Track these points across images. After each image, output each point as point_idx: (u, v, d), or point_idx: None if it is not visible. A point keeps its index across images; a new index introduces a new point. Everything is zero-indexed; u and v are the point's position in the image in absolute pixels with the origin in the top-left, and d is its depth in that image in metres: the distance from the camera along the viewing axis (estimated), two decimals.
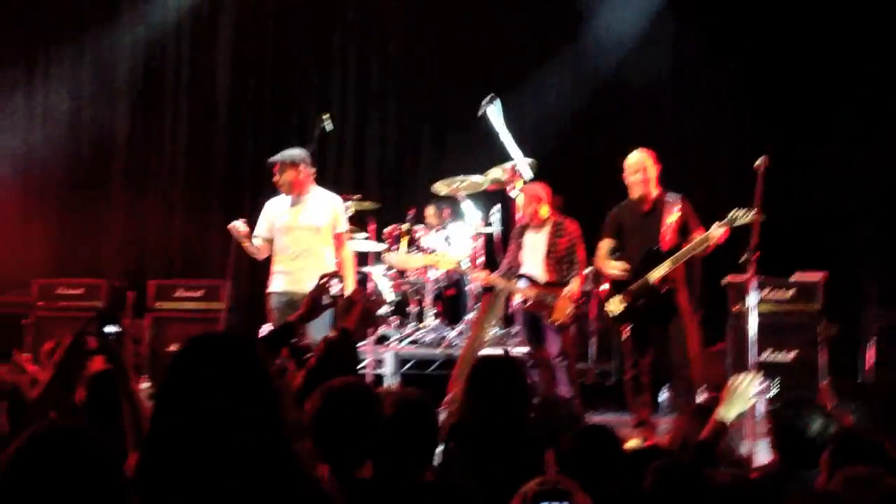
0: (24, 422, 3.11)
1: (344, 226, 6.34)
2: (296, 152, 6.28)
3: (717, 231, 5.68)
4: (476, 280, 7.30)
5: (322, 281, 3.53)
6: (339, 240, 6.25)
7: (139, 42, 9.92)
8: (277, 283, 6.17)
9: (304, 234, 6.14)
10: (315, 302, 3.49)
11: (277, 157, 6.27)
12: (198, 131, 9.85)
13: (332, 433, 2.56)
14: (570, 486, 2.18)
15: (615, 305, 5.91)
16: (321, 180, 8.97)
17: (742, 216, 5.59)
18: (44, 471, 1.74)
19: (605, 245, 6.04)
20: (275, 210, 6.27)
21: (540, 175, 7.54)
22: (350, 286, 6.04)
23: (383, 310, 7.50)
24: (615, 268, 5.87)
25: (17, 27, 9.89)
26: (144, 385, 7.87)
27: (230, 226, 6.23)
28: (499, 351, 7.38)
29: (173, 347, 7.74)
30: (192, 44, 9.97)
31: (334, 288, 3.52)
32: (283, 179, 6.18)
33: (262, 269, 6.75)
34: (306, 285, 5.72)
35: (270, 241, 6.24)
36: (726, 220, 5.68)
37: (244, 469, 1.96)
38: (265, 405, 2.07)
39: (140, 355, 8.01)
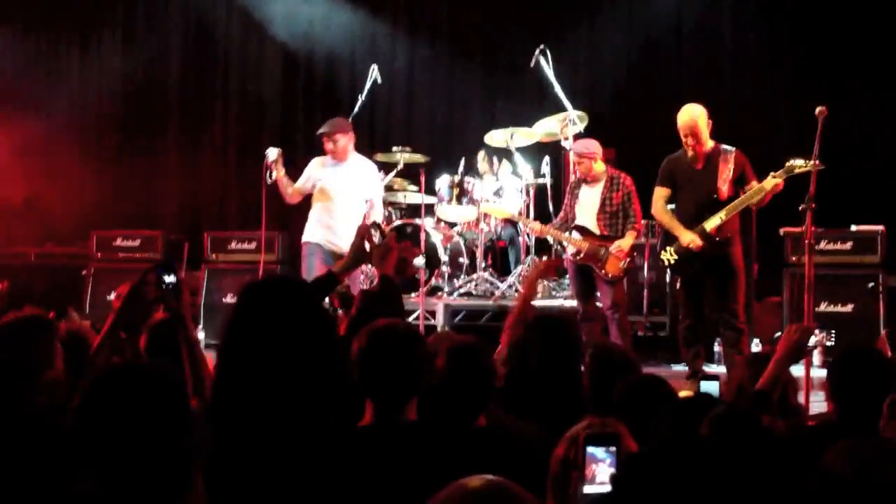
0: (86, 367, 3.21)
1: (378, 192, 6.78)
2: (342, 121, 6.69)
3: (773, 181, 5.58)
4: (530, 230, 7.28)
5: (363, 231, 3.54)
6: (370, 204, 6.62)
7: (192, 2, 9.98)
8: (317, 235, 6.51)
9: (347, 198, 6.49)
10: (358, 252, 3.51)
11: (328, 128, 6.53)
12: (250, 85, 9.89)
13: (378, 372, 2.58)
14: (618, 430, 2.17)
15: (668, 255, 5.86)
16: (372, 132, 9.07)
17: (799, 166, 5.47)
18: (116, 406, 1.78)
19: (662, 193, 5.97)
20: (320, 170, 6.59)
21: (592, 127, 7.48)
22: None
23: (419, 260, 7.47)
24: (687, 238, 5.76)
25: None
26: (200, 335, 8.05)
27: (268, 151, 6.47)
28: (552, 304, 7.47)
29: (229, 298, 7.98)
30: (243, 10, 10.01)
31: (376, 238, 3.53)
32: (338, 147, 6.49)
33: None
34: (345, 242, 5.88)
35: (303, 194, 6.61)
36: (783, 169, 5.56)
37: (309, 403, 2.01)
38: (325, 344, 2.12)
39: (196, 306, 8.16)
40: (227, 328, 2.25)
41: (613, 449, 1.81)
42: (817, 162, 5.20)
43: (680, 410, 2.98)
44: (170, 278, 2.93)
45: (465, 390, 2.80)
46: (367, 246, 3.49)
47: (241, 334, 2.18)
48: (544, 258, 7.54)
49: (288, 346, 2.14)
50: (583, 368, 3.35)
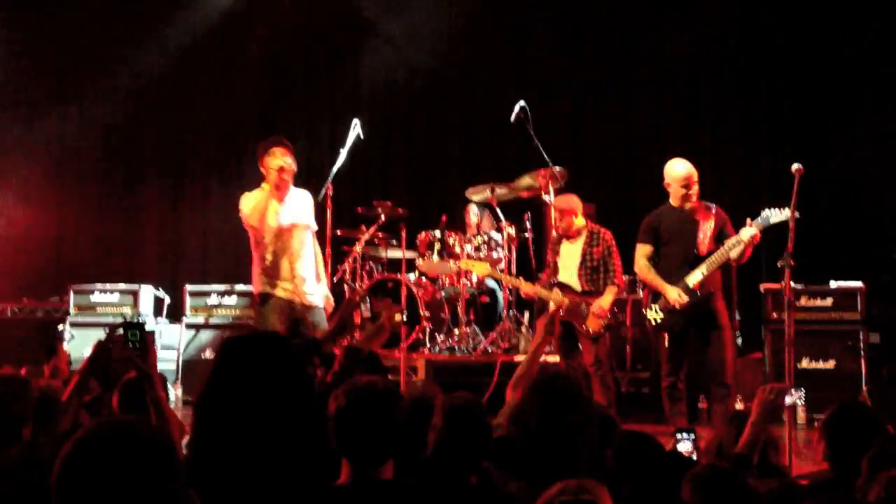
0: (52, 426, 3.16)
1: (314, 222, 6.02)
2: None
3: (749, 231, 5.62)
4: (514, 286, 7.26)
5: (354, 299, 3.54)
6: (315, 237, 5.98)
7: (170, 51, 10.00)
8: (273, 287, 5.70)
9: (299, 233, 5.78)
10: (346, 321, 3.50)
11: (286, 141, 5.79)
12: (229, 135, 9.89)
13: (355, 431, 2.54)
14: (597, 493, 2.13)
15: (655, 313, 5.85)
16: (353, 186, 9.06)
17: (774, 215, 5.52)
18: (105, 464, 1.72)
19: (643, 250, 6.00)
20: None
21: (573, 182, 7.52)
22: (325, 282, 6.03)
23: (399, 316, 7.39)
24: (674, 295, 5.76)
25: (49, 36, 9.98)
26: (178, 391, 7.95)
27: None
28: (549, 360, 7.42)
29: (207, 354, 7.90)
30: (221, 53, 10.04)
31: (363, 309, 3.55)
32: (292, 167, 5.69)
33: None
34: (307, 293, 5.72)
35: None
36: (758, 219, 5.62)
37: (287, 460, 1.97)
38: (303, 400, 2.09)
39: (174, 361, 8.08)
40: (205, 384, 2.21)
41: None
42: (793, 212, 5.21)
43: (656, 470, 2.96)
44: (135, 337, 2.90)
45: (462, 449, 2.77)
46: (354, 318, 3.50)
47: (219, 390, 2.15)
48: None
49: (266, 403, 2.10)
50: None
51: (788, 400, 3.96)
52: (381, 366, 3.51)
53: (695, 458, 3.31)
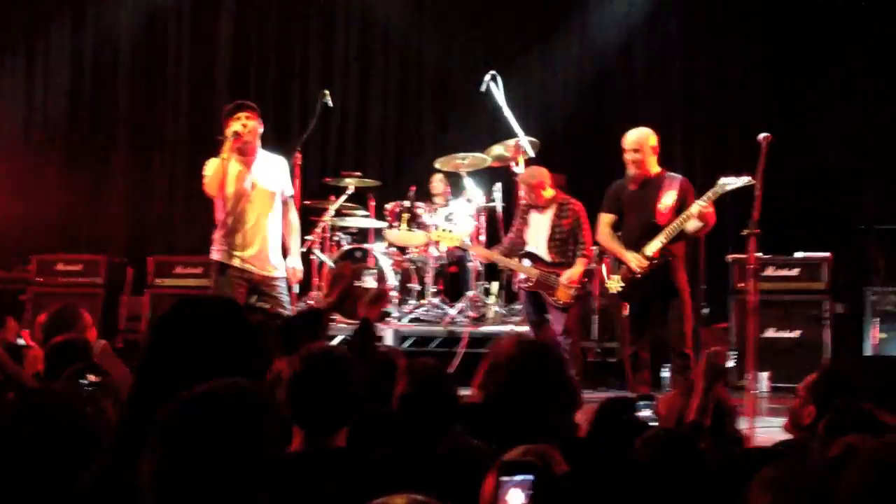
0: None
1: (292, 188, 5.87)
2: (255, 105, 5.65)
3: (698, 204, 5.61)
4: (478, 256, 7.25)
5: (354, 269, 3.53)
6: (288, 204, 5.75)
7: (139, 15, 9.83)
8: (231, 256, 5.54)
9: (262, 201, 5.58)
10: (347, 290, 3.49)
11: (250, 103, 5.61)
12: (199, 105, 9.73)
13: (310, 397, 2.51)
14: (548, 456, 2.11)
15: (615, 282, 5.86)
16: (323, 157, 8.98)
17: (731, 182, 5.52)
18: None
19: (606, 219, 5.99)
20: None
21: (543, 154, 7.49)
22: (296, 253, 5.80)
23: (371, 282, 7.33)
24: (634, 262, 5.75)
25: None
26: None
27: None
28: (502, 329, 7.42)
29: None
30: (193, 18, 9.88)
31: (368, 280, 3.55)
32: (252, 130, 5.48)
33: None
34: (268, 263, 5.60)
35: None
36: (712, 189, 5.61)
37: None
38: (245, 363, 2.05)
39: (139, 332, 8.00)
40: (144, 343, 2.18)
41: (530, 477, 1.73)
42: (760, 181, 5.18)
43: (611, 433, 2.96)
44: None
45: (426, 415, 2.75)
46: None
47: (160, 349, 2.10)
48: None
49: (208, 364, 2.06)
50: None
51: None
52: (374, 333, 3.50)
53: (654, 424, 3.32)
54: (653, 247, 5.73)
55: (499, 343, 3.34)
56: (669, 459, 2.67)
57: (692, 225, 5.71)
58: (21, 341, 4.35)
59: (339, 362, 2.66)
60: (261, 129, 5.57)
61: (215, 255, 5.62)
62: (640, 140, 5.84)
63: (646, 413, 3.23)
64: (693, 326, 5.86)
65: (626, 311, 5.88)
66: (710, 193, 5.62)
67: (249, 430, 1.61)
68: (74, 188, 9.65)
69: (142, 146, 9.91)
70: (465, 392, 3.28)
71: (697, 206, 5.63)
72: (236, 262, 5.55)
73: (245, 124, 5.46)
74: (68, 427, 2.18)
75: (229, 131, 5.43)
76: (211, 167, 5.54)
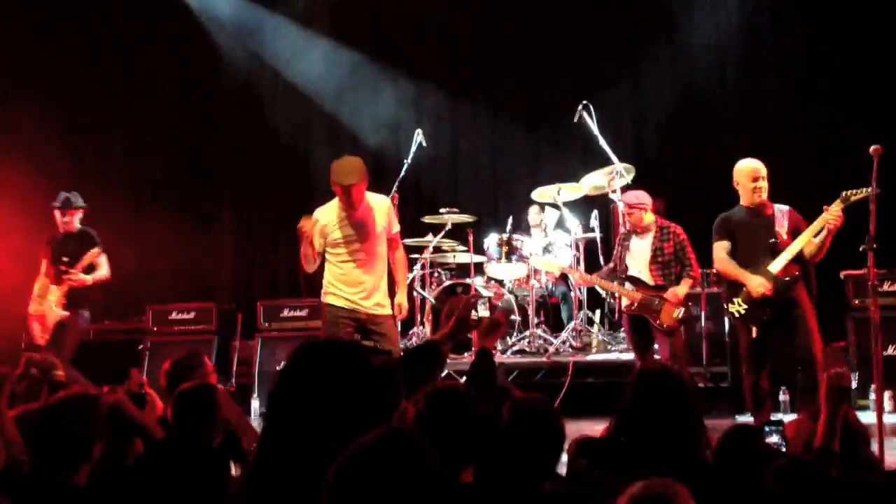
0: (126, 443, 3.24)
1: (397, 225, 5.92)
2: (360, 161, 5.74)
3: (832, 212, 5.41)
4: (579, 282, 7.20)
5: (468, 299, 3.52)
6: (394, 242, 5.87)
7: (239, 69, 10.16)
8: (339, 297, 5.70)
9: (369, 242, 5.71)
10: (463, 322, 3.49)
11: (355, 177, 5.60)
12: (297, 154, 9.97)
13: (434, 435, 2.51)
14: (672, 492, 2.07)
15: (737, 306, 5.69)
16: (418, 195, 9.09)
17: (855, 194, 5.32)
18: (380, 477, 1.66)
19: (723, 246, 5.83)
20: (329, 218, 5.71)
21: (638, 180, 7.42)
22: (404, 289, 5.91)
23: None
24: (756, 284, 5.61)
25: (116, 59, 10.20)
26: (255, 403, 8.05)
27: (304, 222, 5.59)
28: (607, 358, 7.33)
29: (282, 366, 7.99)
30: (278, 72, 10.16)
31: (481, 309, 3.52)
32: (358, 195, 5.60)
33: None
34: (376, 302, 5.68)
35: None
36: (838, 199, 5.42)
37: None
38: (374, 404, 2.06)
39: (251, 375, 8.20)
40: (273, 391, 2.20)
41: None
42: (874, 195, 5.00)
43: (739, 461, 2.88)
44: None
45: (531, 453, 2.71)
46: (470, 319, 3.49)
47: (287, 397, 2.13)
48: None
49: (336, 409, 2.07)
50: None
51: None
52: (494, 372, 3.51)
53: (784, 450, 3.22)
54: (778, 264, 5.57)
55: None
56: (801, 488, 2.59)
57: (810, 248, 5.54)
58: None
59: (463, 401, 2.65)
60: (364, 187, 5.62)
61: (324, 296, 5.76)
62: (758, 167, 5.73)
63: (774, 439, 3.13)
64: (820, 345, 5.63)
65: (753, 335, 5.67)
66: (836, 202, 5.44)
67: (418, 477, 1.61)
68: (182, 238, 9.97)
69: (244, 193, 10.19)
70: (571, 424, 3.23)
71: (833, 212, 5.43)
72: (343, 303, 5.66)
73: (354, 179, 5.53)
74: (203, 474, 2.23)
75: (305, 225, 5.54)
76: (318, 215, 5.68)
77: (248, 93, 10.23)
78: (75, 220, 7.26)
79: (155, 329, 8.60)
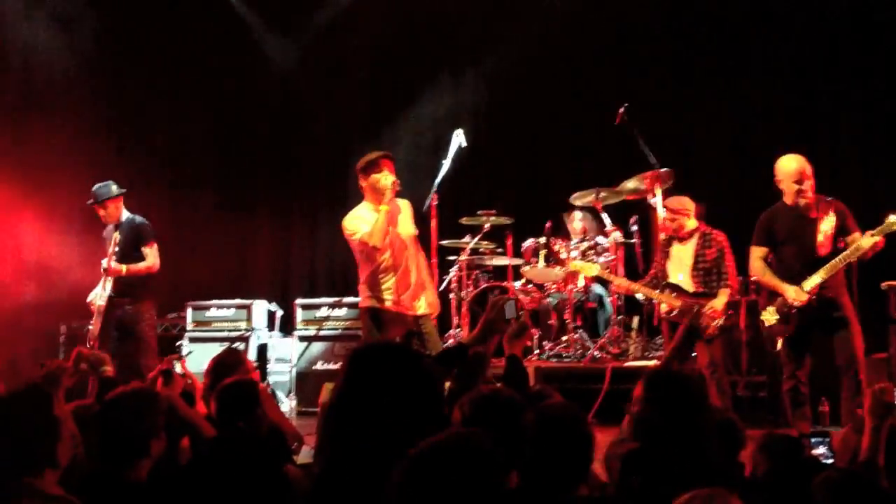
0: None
1: (415, 228, 5.99)
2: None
3: (871, 240, 5.38)
4: (618, 286, 7.18)
5: (497, 302, 3.53)
6: (417, 242, 5.95)
7: (278, 68, 10.23)
8: (384, 301, 5.75)
9: (406, 245, 5.82)
10: (491, 324, 3.51)
11: (390, 154, 5.85)
12: (334, 152, 10.00)
13: None
14: (724, 500, 2.07)
15: (771, 315, 5.67)
16: (457, 196, 9.09)
17: None
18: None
19: (758, 252, 5.81)
20: (369, 221, 5.73)
21: (678, 184, 7.38)
22: (432, 287, 6.01)
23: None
24: (792, 294, 5.59)
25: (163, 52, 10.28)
26: (293, 402, 8.12)
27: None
28: (645, 364, 7.30)
29: (319, 365, 8.05)
30: (325, 67, 10.20)
31: (509, 311, 3.52)
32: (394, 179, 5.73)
33: None
34: (419, 303, 5.75)
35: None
36: (881, 226, 5.38)
37: None
38: (432, 408, 2.09)
39: (288, 374, 8.27)
40: (336, 393, 2.21)
41: None
42: None
43: (786, 473, 2.87)
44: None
45: (558, 460, 2.72)
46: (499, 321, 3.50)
47: (350, 399, 2.14)
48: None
49: (397, 414, 2.09)
50: None
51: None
52: (526, 381, 3.51)
53: (831, 462, 3.21)
54: (812, 282, 5.53)
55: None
56: (851, 501, 2.58)
57: (856, 256, 5.50)
58: (178, 368, 4.49)
59: (508, 405, 2.67)
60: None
61: (367, 301, 5.80)
62: (805, 167, 5.69)
63: (821, 450, 3.13)
64: (863, 350, 5.59)
65: (780, 345, 5.67)
66: (880, 229, 5.39)
67: (483, 478, 1.63)
68: (221, 236, 10.06)
69: (284, 190, 10.26)
70: (607, 430, 3.22)
71: (871, 241, 5.38)
72: (390, 306, 5.73)
73: (392, 175, 5.66)
74: (256, 472, 2.26)
75: (386, 181, 5.57)
76: (361, 222, 5.70)
77: (289, 87, 10.29)
78: (116, 210, 7.14)
79: (193, 325, 8.69)
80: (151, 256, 7.14)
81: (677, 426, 2.76)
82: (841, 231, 5.61)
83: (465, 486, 1.61)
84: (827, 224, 5.60)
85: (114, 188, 7.17)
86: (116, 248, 7.02)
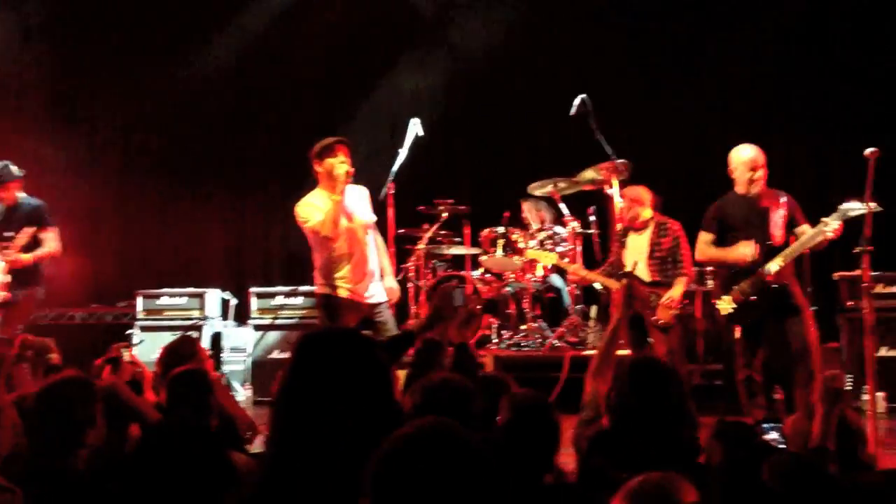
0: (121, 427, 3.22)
1: (373, 215, 5.91)
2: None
3: (830, 226, 5.43)
4: (575, 275, 7.19)
5: (444, 289, 3.51)
6: (376, 229, 5.90)
7: (229, 53, 10.08)
8: (338, 288, 5.64)
9: (361, 232, 5.73)
10: (439, 311, 3.48)
11: (345, 140, 5.68)
12: (289, 139, 9.88)
13: None
14: (673, 486, 2.06)
15: (726, 304, 5.71)
16: (415, 185, 9.05)
17: (853, 209, 5.33)
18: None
19: (706, 238, 5.87)
20: (325, 207, 5.57)
21: (635, 175, 7.41)
22: (391, 272, 5.96)
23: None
24: (746, 251, 5.63)
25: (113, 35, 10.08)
26: (248, 392, 8.04)
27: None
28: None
29: (275, 354, 7.97)
30: (280, 54, 10.07)
31: (457, 298, 3.50)
32: (349, 166, 5.55)
33: None
34: (374, 291, 5.67)
35: None
36: (837, 213, 5.44)
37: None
38: (383, 395, 2.05)
39: (242, 363, 8.19)
40: (282, 381, 2.17)
41: None
42: (868, 198, 5.03)
43: (738, 457, 2.89)
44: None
45: (531, 448, 2.72)
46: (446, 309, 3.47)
47: (296, 387, 2.10)
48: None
49: (346, 401, 2.05)
50: None
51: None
52: (473, 358, 3.50)
53: (783, 447, 3.25)
54: (770, 269, 5.58)
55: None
56: (801, 484, 2.59)
57: (813, 243, 5.55)
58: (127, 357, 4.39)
59: (459, 392, 2.65)
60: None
61: (322, 288, 5.71)
62: (759, 157, 5.74)
63: (773, 436, 3.16)
64: (816, 339, 5.66)
65: (738, 334, 5.72)
66: (834, 216, 5.44)
67: (461, 468, 1.59)
68: (174, 224, 9.91)
69: (238, 177, 10.13)
70: (566, 419, 3.23)
71: (832, 226, 5.42)
72: (345, 294, 5.64)
73: (349, 162, 5.55)
74: (204, 456, 2.21)
75: (341, 168, 5.50)
76: (314, 210, 5.60)
77: (239, 74, 10.15)
78: (13, 192, 6.75)
79: (144, 314, 8.55)
80: (52, 241, 6.82)
81: (653, 412, 2.77)
82: (790, 224, 5.67)
83: (448, 474, 1.58)
84: (778, 215, 5.66)
85: (14, 169, 6.80)
86: (11, 234, 6.66)
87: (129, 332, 8.38)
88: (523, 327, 7.63)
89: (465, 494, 1.56)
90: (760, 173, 5.71)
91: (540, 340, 7.50)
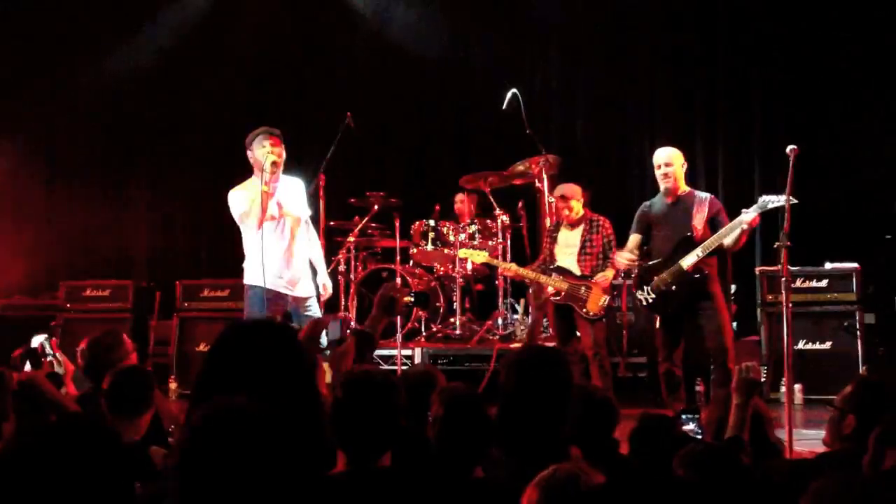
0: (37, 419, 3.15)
1: (308, 209, 5.88)
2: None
3: (748, 216, 5.60)
4: (506, 271, 7.24)
5: (391, 286, 3.49)
6: (308, 224, 5.83)
7: (160, 45, 9.89)
8: (264, 280, 5.49)
9: (290, 224, 5.66)
10: (387, 304, 3.47)
11: (276, 130, 5.60)
12: (220, 127, 9.74)
13: (353, 422, 2.51)
14: (587, 476, 2.11)
15: (646, 294, 5.85)
16: (346, 177, 9.00)
17: (772, 201, 5.51)
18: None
19: (633, 240, 6.02)
20: (253, 196, 5.51)
21: (566, 170, 7.49)
22: (324, 269, 5.91)
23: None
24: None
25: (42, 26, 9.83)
26: (172, 385, 7.91)
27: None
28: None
29: (202, 347, 7.86)
30: (212, 44, 9.91)
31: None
32: (281, 156, 5.52)
33: None
34: (301, 285, 5.66)
35: None
36: (756, 205, 5.60)
37: (284, 449, 1.94)
38: (303, 385, 2.05)
39: (168, 356, 8.04)
40: (201, 372, 2.16)
41: None
42: (789, 194, 5.17)
43: (653, 447, 2.95)
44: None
45: (463, 441, 2.73)
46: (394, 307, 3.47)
47: (214, 377, 2.09)
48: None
49: (265, 391, 2.05)
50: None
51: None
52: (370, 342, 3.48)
53: (699, 438, 3.32)
54: (689, 259, 5.72)
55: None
56: (711, 474, 2.65)
57: (731, 238, 5.68)
58: (48, 349, 4.29)
59: (381, 386, 2.65)
60: (285, 155, 5.59)
61: (249, 279, 5.64)
62: (670, 156, 5.96)
63: (690, 426, 3.23)
64: (731, 339, 5.81)
65: (657, 325, 5.86)
66: (754, 207, 5.60)
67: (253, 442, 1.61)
68: (99, 214, 9.69)
69: (166, 171, 9.96)
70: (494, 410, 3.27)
71: (748, 217, 5.58)
72: (270, 285, 5.56)
73: (277, 152, 5.49)
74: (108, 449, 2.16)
75: (267, 163, 5.44)
76: (242, 200, 5.54)
77: (169, 65, 9.97)
78: None
79: (68, 306, 8.37)
80: None
81: (537, 401, 2.81)
82: (713, 223, 5.81)
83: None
84: (700, 214, 5.81)
85: None
86: None
87: (52, 323, 8.17)
88: (452, 320, 7.67)
89: (257, 467, 1.58)
90: (664, 170, 5.88)
91: (468, 333, 7.54)
